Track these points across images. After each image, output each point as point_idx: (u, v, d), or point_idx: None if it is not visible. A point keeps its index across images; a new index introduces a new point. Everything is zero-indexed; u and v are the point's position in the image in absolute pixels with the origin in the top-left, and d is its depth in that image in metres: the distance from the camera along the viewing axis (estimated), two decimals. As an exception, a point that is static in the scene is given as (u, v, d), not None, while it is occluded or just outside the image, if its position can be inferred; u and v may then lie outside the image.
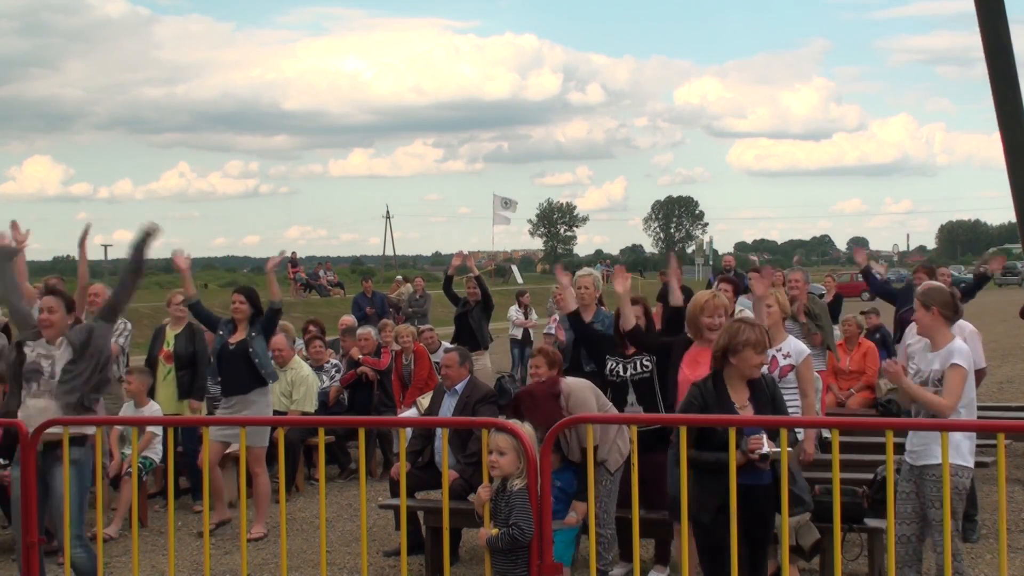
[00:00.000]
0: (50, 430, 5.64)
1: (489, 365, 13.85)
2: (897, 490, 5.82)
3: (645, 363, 7.09)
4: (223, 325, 8.86)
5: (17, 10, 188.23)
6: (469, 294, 13.37)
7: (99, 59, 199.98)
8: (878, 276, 11.20)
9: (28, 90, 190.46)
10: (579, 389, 6.69)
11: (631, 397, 7.08)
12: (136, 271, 6.57)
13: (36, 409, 6.07)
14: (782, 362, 6.93)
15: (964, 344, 5.99)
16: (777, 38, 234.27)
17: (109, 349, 6.48)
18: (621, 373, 7.13)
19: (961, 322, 8.23)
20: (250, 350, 8.58)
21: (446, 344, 12.57)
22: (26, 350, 6.31)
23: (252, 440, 8.42)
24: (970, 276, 10.63)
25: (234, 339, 8.68)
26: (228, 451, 9.04)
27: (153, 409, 9.10)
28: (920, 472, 5.89)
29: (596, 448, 6.52)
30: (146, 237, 6.55)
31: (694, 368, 6.26)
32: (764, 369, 6.93)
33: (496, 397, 8.02)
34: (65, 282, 10.04)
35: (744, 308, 9.33)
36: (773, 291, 7.37)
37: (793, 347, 7.03)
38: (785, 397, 6.90)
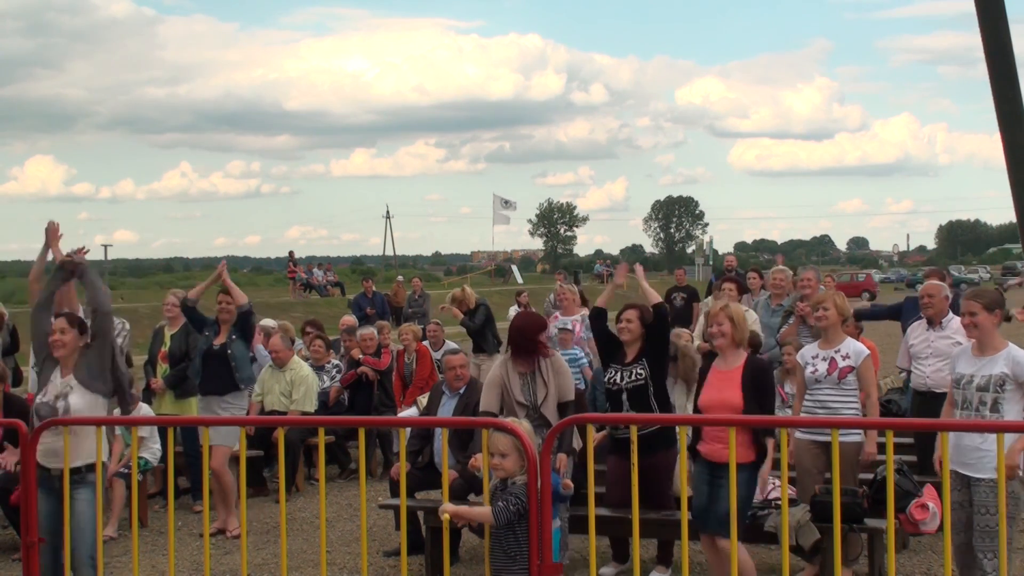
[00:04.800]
0: (75, 463, 5.71)
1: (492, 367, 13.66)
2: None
3: (639, 371, 7.06)
4: (209, 327, 9.02)
5: (21, 10, 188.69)
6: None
7: (102, 59, 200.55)
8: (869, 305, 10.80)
9: (31, 90, 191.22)
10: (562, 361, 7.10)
11: (626, 406, 7.05)
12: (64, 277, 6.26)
13: (54, 452, 6.01)
14: (840, 364, 6.84)
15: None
16: (779, 38, 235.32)
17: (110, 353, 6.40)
18: (618, 381, 7.11)
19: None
20: (228, 352, 8.72)
21: (450, 344, 12.58)
22: (38, 397, 6.17)
23: (224, 439, 8.60)
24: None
25: (217, 341, 8.86)
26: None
27: (143, 411, 9.11)
28: (974, 482, 5.79)
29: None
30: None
31: (720, 391, 6.24)
32: (813, 369, 6.89)
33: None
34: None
35: (746, 308, 9.34)
36: (830, 293, 7.25)
37: (852, 348, 6.91)
38: (845, 399, 6.82)
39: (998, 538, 5.54)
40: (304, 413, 10.16)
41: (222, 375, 8.74)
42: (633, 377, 7.07)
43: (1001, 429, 4.74)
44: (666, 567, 7.16)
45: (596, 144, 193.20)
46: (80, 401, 6.13)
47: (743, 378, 6.22)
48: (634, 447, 4.84)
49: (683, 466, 5.43)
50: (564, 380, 7.00)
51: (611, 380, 7.14)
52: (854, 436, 6.75)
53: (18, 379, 10.07)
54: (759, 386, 6.24)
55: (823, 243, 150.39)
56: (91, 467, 5.90)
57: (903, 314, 10.07)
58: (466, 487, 7.33)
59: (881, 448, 6.75)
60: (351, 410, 11.10)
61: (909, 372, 8.73)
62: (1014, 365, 5.72)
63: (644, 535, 6.59)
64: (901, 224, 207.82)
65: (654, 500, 6.78)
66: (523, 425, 5.27)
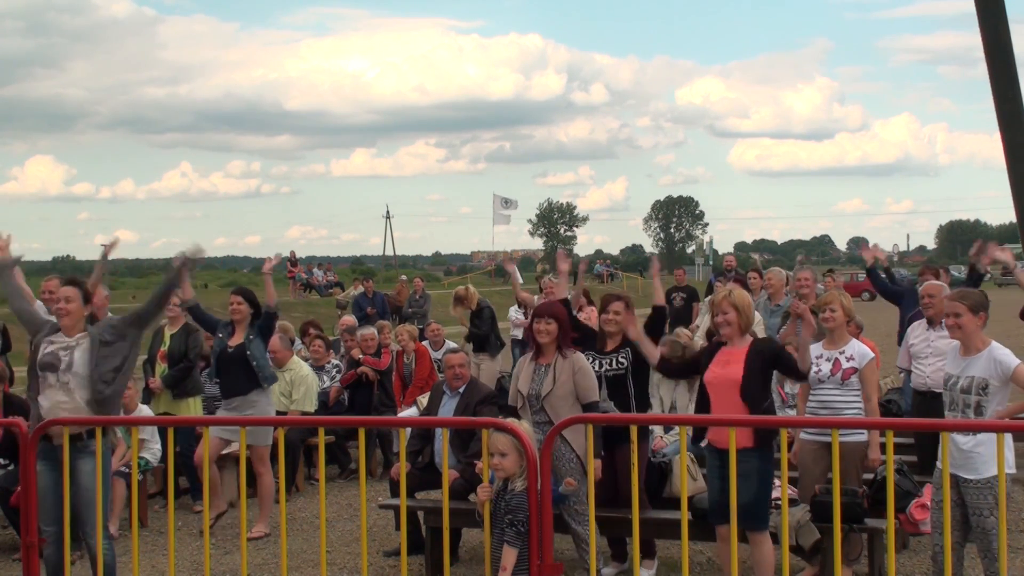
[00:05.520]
0: (75, 428, 5.73)
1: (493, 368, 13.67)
2: (936, 499, 5.79)
3: (620, 360, 7.14)
4: (222, 328, 8.85)
5: (22, 10, 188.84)
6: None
7: (103, 59, 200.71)
8: (882, 275, 10.61)
9: (31, 90, 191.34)
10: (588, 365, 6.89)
11: (603, 393, 7.05)
12: (168, 290, 6.58)
13: (51, 405, 6.05)
14: (845, 365, 6.83)
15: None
16: (780, 38, 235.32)
17: (133, 357, 6.45)
18: (597, 369, 7.10)
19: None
20: (248, 353, 8.58)
21: (450, 343, 12.58)
22: (42, 346, 6.26)
23: (256, 439, 8.46)
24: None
25: (233, 342, 8.68)
26: (229, 451, 9.03)
27: (143, 411, 9.10)
28: (963, 482, 5.73)
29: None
30: (187, 262, 6.64)
31: (724, 367, 6.22)
32: (816, 370, 6.87)
33: (497, 397, 8.01)
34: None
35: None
36: (837, 294, 7.23)
37: (856, 350, 6.90)
38: (848, 399, 6.83)
39: (993, 539, 5.54)
40: (304, 413, 10.16)
41: (243, 377, 8.57)
42: (614, 366, 7.13)
43: (1002, 429, 4.74)
44: (651, 560, 7.14)
45: (596, 144, 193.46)
46: (86, 358, 6.15)
47: (747, 356, 6.17)
48: (634, 447, 4.83)
49: (683, 466, 5.44)
50: (584, 380, 6.74)
51: None
52: (858, 436, 6.74)
53: (12, 380, 10.07)
54: (763, 358, 6.18)
55: (823, 243, 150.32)
56: (92, 433, 5.86)
57: (904, 301, 10.02)
58: (466, 487, 7.33)
59: (881, 448, 6.76)
60: (351, 410, 11.10)
61: (908, 372, 8.74)
62: (995, 365, 5.73)
63: (627, 533, 6.58)
64: (901, 224, 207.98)
65: (621, 495, 6.79)
66: (523, 425, 5.28)
